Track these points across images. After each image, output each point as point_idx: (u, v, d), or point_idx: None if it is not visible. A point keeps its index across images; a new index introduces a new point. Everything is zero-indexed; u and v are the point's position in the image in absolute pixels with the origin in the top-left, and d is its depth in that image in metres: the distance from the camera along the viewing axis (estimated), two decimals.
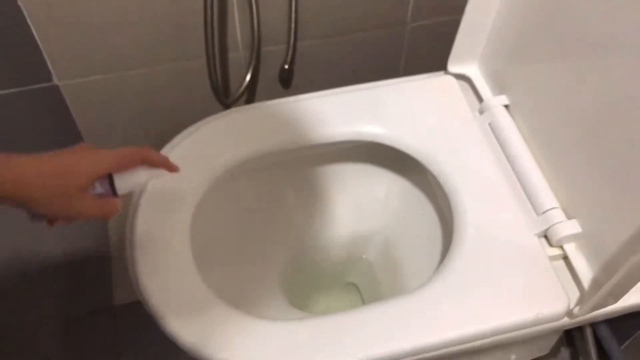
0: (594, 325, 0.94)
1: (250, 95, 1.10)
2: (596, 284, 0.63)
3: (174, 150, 0.74)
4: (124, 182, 0.53)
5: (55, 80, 0.96)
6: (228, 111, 0.80)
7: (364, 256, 0.94)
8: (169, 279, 0.64)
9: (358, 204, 0.91)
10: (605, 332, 0.93)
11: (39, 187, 0.47)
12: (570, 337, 1.05)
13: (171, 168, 0.57)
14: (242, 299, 0.75)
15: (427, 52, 1.12)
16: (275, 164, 0.84)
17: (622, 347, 0.92)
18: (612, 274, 0.56)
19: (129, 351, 1.04)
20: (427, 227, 0.85)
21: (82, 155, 0.50)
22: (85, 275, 1.12)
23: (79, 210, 0.50)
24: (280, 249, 0.89)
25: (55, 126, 1.03)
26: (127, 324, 1.06)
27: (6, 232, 1.12)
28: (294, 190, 0.89)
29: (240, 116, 0.78)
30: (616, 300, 0.61)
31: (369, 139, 0.78)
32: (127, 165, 0.53)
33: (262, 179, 0.85)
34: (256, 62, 1.02)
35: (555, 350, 1.03)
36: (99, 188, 0.52)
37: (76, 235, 1.14)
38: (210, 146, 0.75)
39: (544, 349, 1.01)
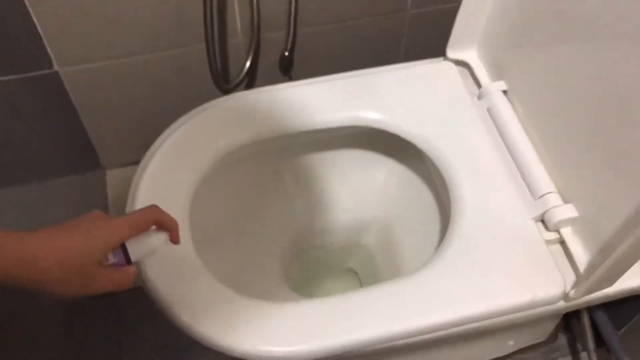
0: (591, 311, 0.95)
1: (250, 82, 1.10)
2: (592, 267, 0.64)
3: (172, 136, 0.74)
4: (137, 250, 0.52)
5: (56, 67, 0.96)
6: (226, 97, 0.80)
7: (363, 242, 0.95)
8: (170, 267, 0.64)
9: (357, 190, 0.91)
10: (602, 318, 0.94)
11: (55, 266, 0.45)
12: (568, 323, 1.05)
13: (174, 239, 0.55)
14: (243, 285, 0.75)
15: (427, 39, 1.12)
16: (274, 150, 0.84)
17: (620, 333, 0.93)
18: (607, 257, 0.57)
19: (129, 337, 1.04)
20: (425, 212, 0.85)
21: (94, 228, 0.48)
22: None
23: (95, 288, 0.49)
24: (279, 235, 0.89)
25: (56, 113, 1.04)
26: (128, 309, 1.07)
27: (6, 222, 1.13)
28: (293, 176, 0.89)
29: (238, 102, 0.79)
30: (611, 283, 0.62)
31: (368, 124, 0.78)
32: (140, 232, 0.52)
33: (261, 165, 0.85)
34: (256, 49, 1.02)
35: (553, 337, 1.04)
36: (112, 258, 0.50)
37: None
38: (208, 132, 0.75)
39: (542, 335, 1.01)
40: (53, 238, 0.46)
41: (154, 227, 0.54)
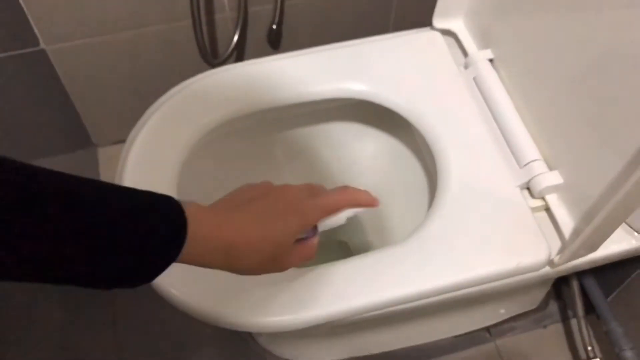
0: (580, 278, 0.96)
1: (239, 56, 1.10)
2: (576, 233, 0.64)
3: (158, 111, 0.74)
4: (325, 225, 0.51)
5: (42, 45, 0.96)
6: (213, 71, 0.80)
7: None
8: None
9: (347, 162, 0.91)
10: (591, 285, 0.95)
11: (252, 257, 0.45)
12: (559, 291, 1.07)
13: (373, 203, 0.53)
14: None
15: (416, 9, 1.11)
16: (263, 124, 0.84)
17: (609, 299, 0.94)
18: (590, 223, 0.57)
19: (124, 315, 1.06)
20: (415, 183, 0.86)
21: (287, 216, 0.46)
22: None
23: (284, 267, 0.48)
24: None
25: (44, 91, 1.04)
26: (124, 296, 1.08)
27: None
28: (282, 149, 0.89)
29: (225, 76, 0.78)
30: (594, 249, 0.63)
31: (355, 96, 0.78)
32: (333, 215, 0.51)
33: (250, 138, 0.85)
34: (243, 23, 1.01)
35: (543, 304, 1.05)
36: (301, 235, 0.49)
37: None
38: (195, 106, 0.75)
39: (533, 302, 1.03)
40: (248, 229, 0.44)
41: None
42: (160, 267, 0.39)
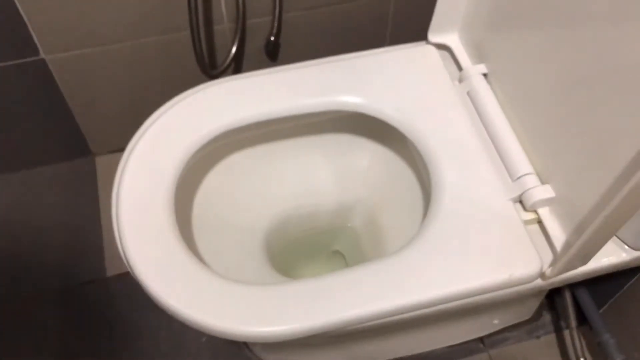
0: (573, 289, 0.97)
1: (237, 67, 1.11)
2: (567, 246, 0.65)
3: (157, 122, 0.75)
4: None
5: (42, 54, 0.97)
6: (211, 82, 0.80)
7: (349, 224, 0.96)
8: (155, 251, 0.65)
9: (341, 174, 0.92)
10: (584, 296, 0.96)
11: None
12: (552, 302, 1.08)
13: None
14: (228, 268, 0.77)
15: (413, 23, 1.12)
16: (260, 135, 0.85)
17: (602, 310, 0.95)
18: (581, 236, 0.58)
19: (120, 321, 1.06)
20: (409, 194, 0.87)
21: None
22: (78, 248, 1.14)
23: None
24: (265, 218, 0.90)
25: (44, 99, 1.04)
26: (118, 294, 1.08)
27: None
28: (279, 160, 0.90)
29: (222, 87, 0.79)
30: (585, 262, 0.64)
31: (351, 109, 0.79)
32: None
33: (247, 149, 0.86)
34: (241, 35, 1.02)
35: (537, 315, 1.06)
36: None
37: (68, 209, 1.16)
38: (194, 117, 0.76)
39: (526, 313, 1.03)
40: None
41: None
42: None
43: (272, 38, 1.03)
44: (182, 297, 0.62)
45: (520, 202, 0.70)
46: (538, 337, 1.05)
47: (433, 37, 0.83)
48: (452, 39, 0.83)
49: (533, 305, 1.01)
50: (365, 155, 0.91)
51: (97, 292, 1.09)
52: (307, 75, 0.79)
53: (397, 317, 0.65)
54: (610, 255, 0.68)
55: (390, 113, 0.77)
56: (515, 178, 0.69)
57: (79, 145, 1.17)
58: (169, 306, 0.62)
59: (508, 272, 0.64)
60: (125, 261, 0.66)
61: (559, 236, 0.67)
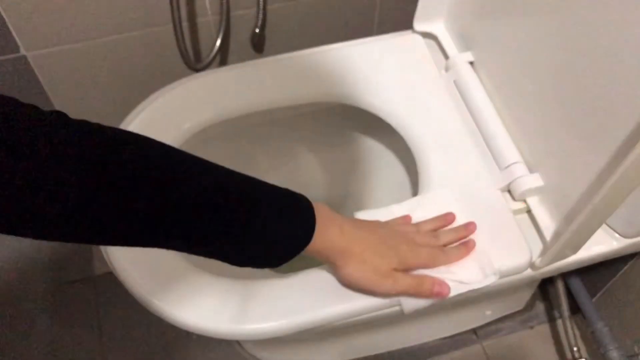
0: (566, 278, 0.96)
1: (222, 60, 1.09)
2: (557, 235, 0.64)
3: (139, 116, 0.74)
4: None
5: (23, 51, 0.95)
6: (195, 75, 0.79)
7: None
8: (141, 250, 0.64)
9: (329, 166, 0.91)
10: (577, 285, 0.95)
11: (357, 263, 0.56)
12: (545, 291, 1.07)
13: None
14: (216, 265, 0.76)
15: (400, 12, 1.11)
16: (245, 128, 0.84)
17: (595, 299, 0.94)
18: (570, 225, 0.57)
19: (109, 319, 1.05)
20: (398, 185, 0.86)
21: (399, 249, 0.58)
22: (67, 246, 1.13)
23: (380, 287, 0.59)
24: None
25: (26, 97, 1.02)
26: (107, 293, 1.07)
27: None
28: (265, 153, 0.89)
29: (206, 80, 0.78)
30: (575, 251, 0.63)
31: (337, 100, 0.78)
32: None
33: (232, 142, 0.85)
34: (226, 27, 1.01)
35: (530, 305, 1.05)
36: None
37: None
38: (176, 111, 0.75)
39: (519, 303, 1.03)
40: (364, 242, 0.56)
41: None
42: (287, 258, 0.51)
43: (257, 30, 1.01)
44: (165, 295, 0.61)
45: (509, 191, 0.69)
46: (531, 327, 1.04)
47: (419, 25, 0.81)
48: (438, 27, 0.82)
49: (525, 295, 1.01)
50: (352, 146, 0.90)
51: (86, 291, 1.08)
52: (294, 66, 0.78)
53: (387, 310, 0.64)
54: (601, 244, 0.67)
55: (377, 103, 0.75)
56: (503, 167, 0.68)
57: None
58: (151, 304, 0.61)
59: (497, 263, 0.63)
60: (107, 260, 0.65)
61: (548, 225, 0.66)
